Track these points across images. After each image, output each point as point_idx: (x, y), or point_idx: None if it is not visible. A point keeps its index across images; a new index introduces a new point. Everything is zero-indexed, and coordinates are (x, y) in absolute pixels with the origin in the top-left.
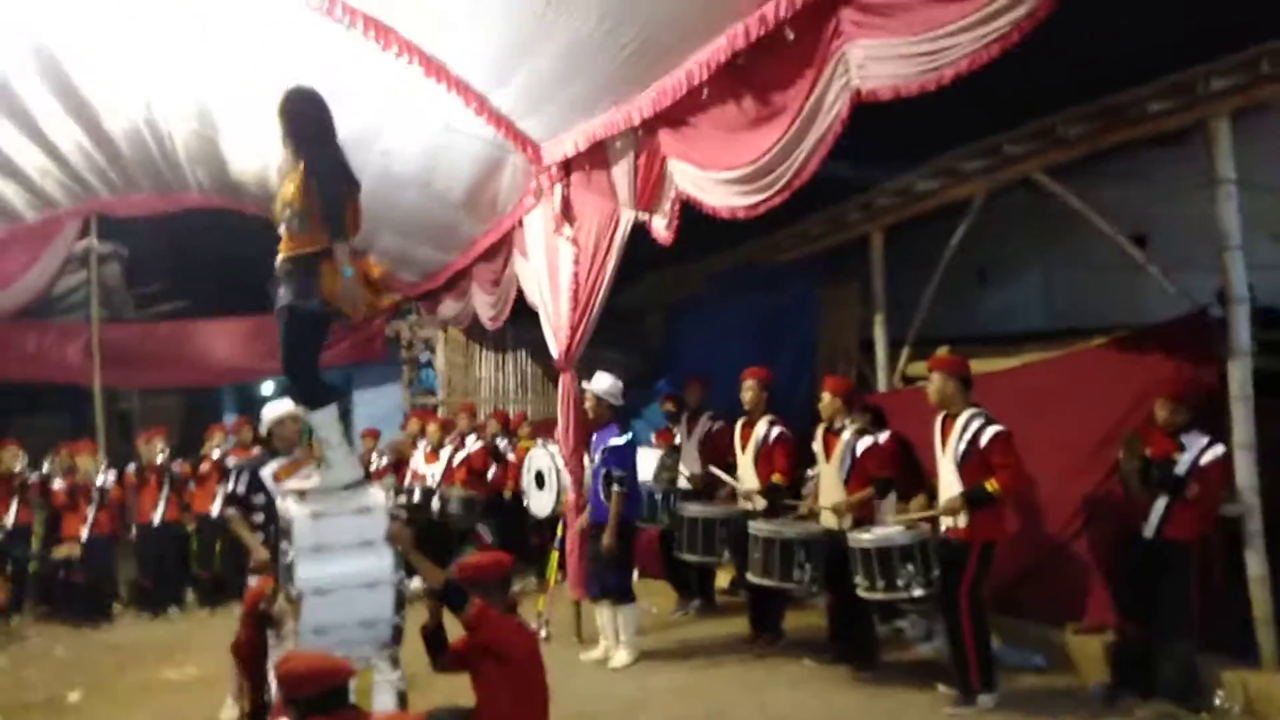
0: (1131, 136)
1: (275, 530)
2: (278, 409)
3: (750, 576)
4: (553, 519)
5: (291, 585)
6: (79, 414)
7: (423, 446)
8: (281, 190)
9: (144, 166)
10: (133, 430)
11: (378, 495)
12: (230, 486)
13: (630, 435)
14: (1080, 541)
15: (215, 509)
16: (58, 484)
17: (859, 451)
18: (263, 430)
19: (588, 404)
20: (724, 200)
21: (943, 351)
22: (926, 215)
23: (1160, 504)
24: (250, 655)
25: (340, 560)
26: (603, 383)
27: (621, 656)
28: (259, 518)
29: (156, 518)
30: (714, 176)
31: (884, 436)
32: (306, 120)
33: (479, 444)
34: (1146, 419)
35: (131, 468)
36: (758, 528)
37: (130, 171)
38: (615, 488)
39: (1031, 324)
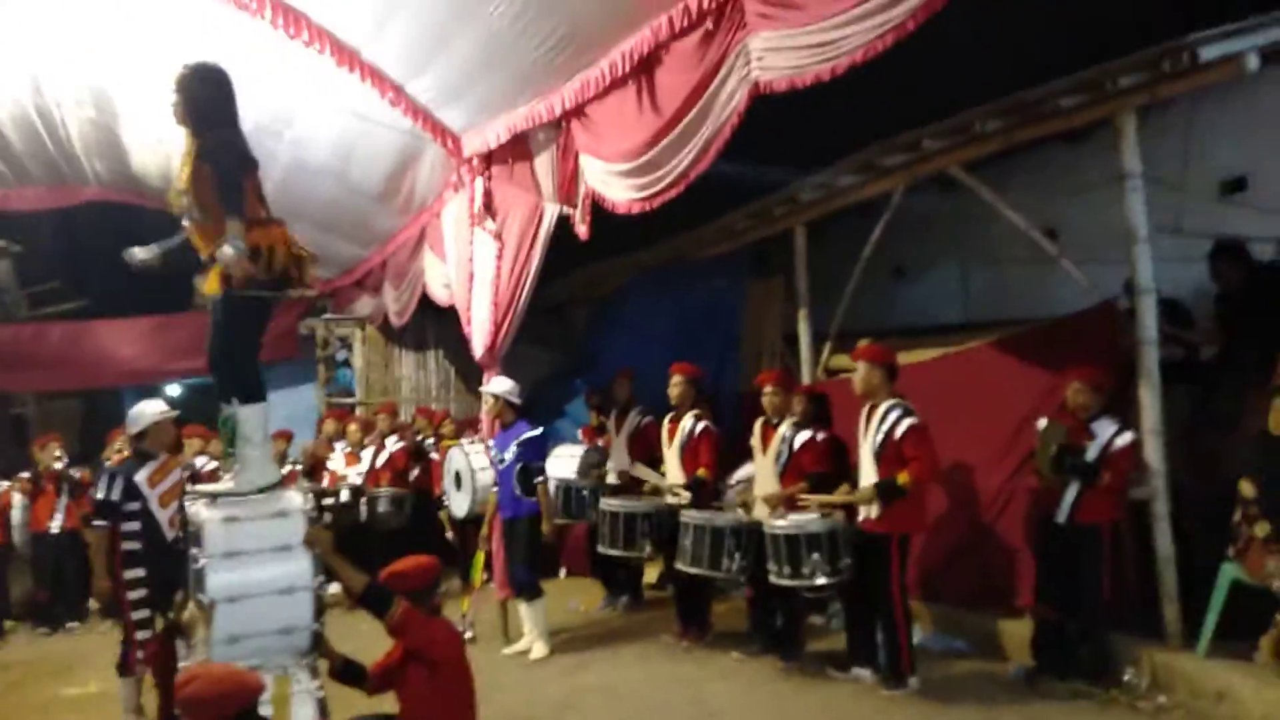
0: (1044, 132)
1: (153, 537)
2: (154, 407)
3: (679, 565)
4: (476, 519)
5: (203, 593)
6: None
7: (341, 448)
8: (177, 177)
9: (36, 157)
10: (28, 436)
11: (294, 498)
12: (102, 494)
13: (542, 429)
14: (1001, 528)
15: None
16: None
17: (796, 445)
18: (133, 430)
19: (487, 406)
20: (622, 195)
21: (864, 343)
22: (848, 211)
23: (1072, 490)
24: (162, 666)
25: (255, 566)
26: (502, 384)
27: (539, 648)
28: (134, 525)
29: (54, 526)
30: (612, 169)
31: (821, 435)
32: (202, 101)
33: (400, 444)
34: (1060, 406)
35: (25, 475)
36: (689, 516)
37: (21, 162)
38: (540, 479)
39: (948, 317)
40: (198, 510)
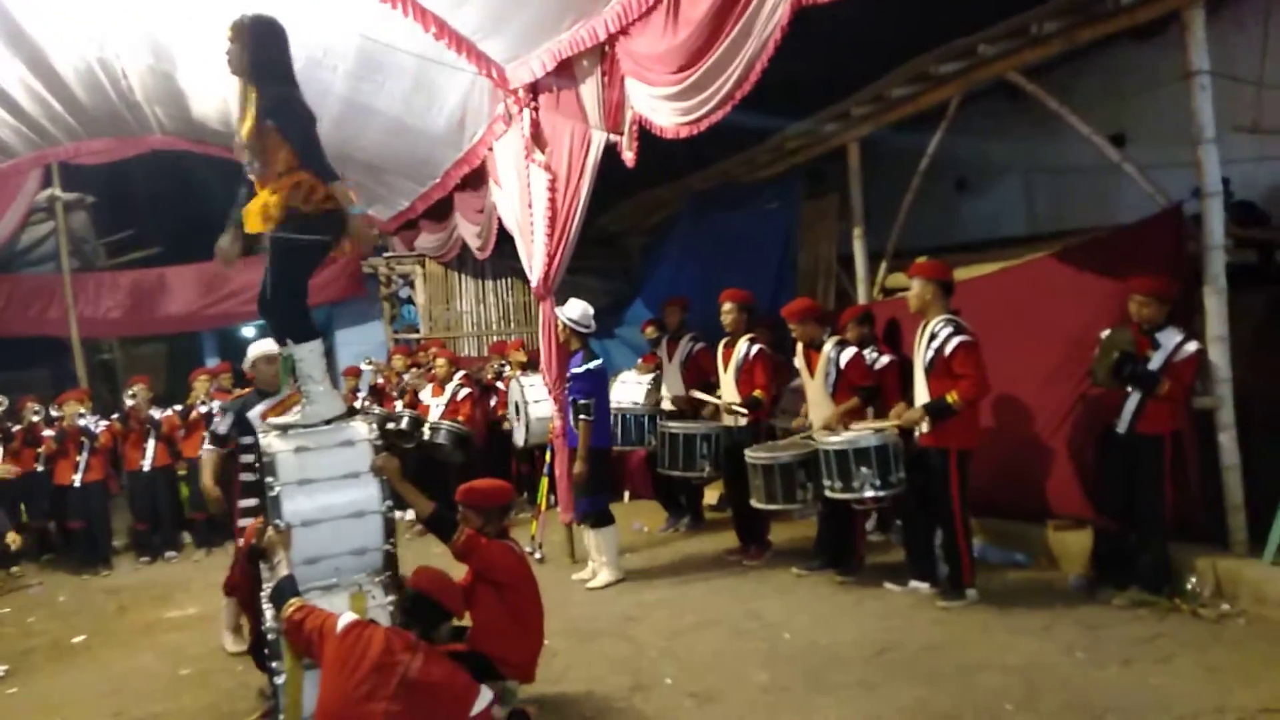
0: (1107, 31)
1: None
2: (256, 349)
3: (755, 503)
4: (542, 446)
5: (279, 518)
6: (61, 366)
7: (412, 376)
8: (239, 129)
9: (102, 108)
10: (116, 380)
11: (360, 429)
12: (215, 425)
13: (596, 362)
14: (1058, 439)
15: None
16: (46, 431)
17: (843, 363)
18: (245, 367)
19: (559, 331)
20: (669, 119)
21: (922, 260)
22: (903, 124)
23: (1133, 400)
24: (247, 590)
25: (326, 492)
26: (574, 310)
27: (603, 576)
28: (249, 458)
29: (146, 464)
30: (657, 93)
31: (885, 360)
32: (260, 53)
33: (463, 374)
34: (1124, 317)
35: (116, 417)
36: (754, 456)
37: (88, 114)
38: (582, 416)
39: (1012, 230)
40: (270, 442)
